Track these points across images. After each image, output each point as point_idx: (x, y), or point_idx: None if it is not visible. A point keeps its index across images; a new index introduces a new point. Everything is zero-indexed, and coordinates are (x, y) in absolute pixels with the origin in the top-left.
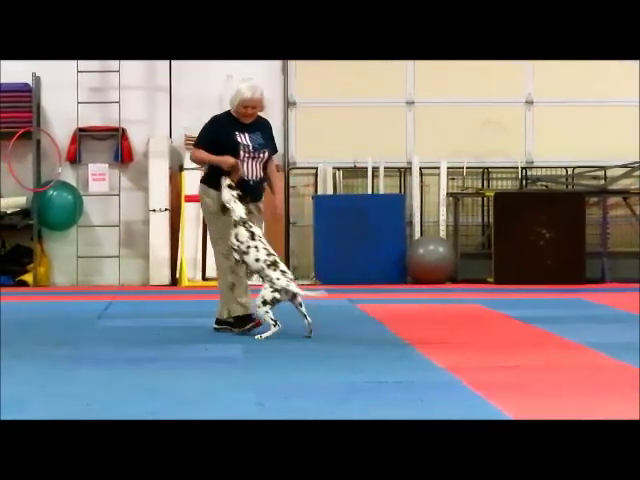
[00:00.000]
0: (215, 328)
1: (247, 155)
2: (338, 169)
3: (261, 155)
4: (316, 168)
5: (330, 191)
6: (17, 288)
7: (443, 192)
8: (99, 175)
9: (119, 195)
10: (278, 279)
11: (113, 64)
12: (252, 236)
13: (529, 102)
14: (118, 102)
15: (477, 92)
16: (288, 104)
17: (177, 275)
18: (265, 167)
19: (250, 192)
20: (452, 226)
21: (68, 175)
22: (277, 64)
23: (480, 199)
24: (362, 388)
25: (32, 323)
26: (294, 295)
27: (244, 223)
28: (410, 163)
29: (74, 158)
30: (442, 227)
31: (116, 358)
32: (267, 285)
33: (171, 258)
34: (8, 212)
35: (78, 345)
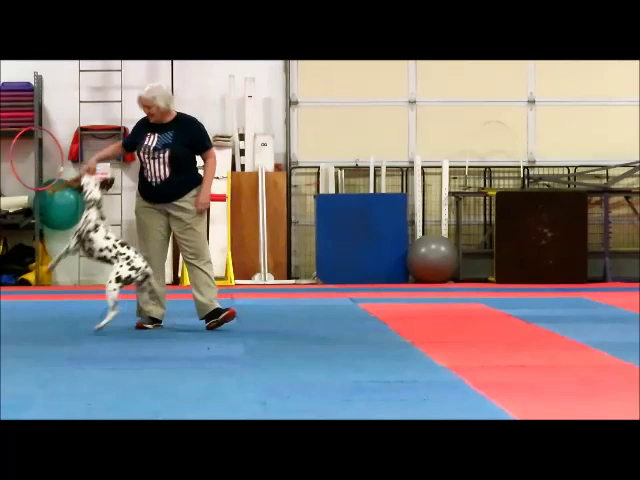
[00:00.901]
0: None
1: (146, 156)
2: (340, 168)
3: (161, 155)
4: (318, 167)
5: (332, 190)
6: (19, 287)
7: (445, 191)
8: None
9: (121, 194)
10: (135, 258)
11: (115, 63)
12: (102, 218)
13: (531, 101)
14: (120, 101)
15: (479, 91)
16: (290, 103)
17: (179, 274)
18: (171, 165)
19: (155, 193)
20: (454, 225)
21: (70, 174)
22: (279, 63)
23: (482, 198)
24: (365, 387)
25: (34, 322)
26: (146, 276)
27: (98, 205)
28: (412, 162)
29: (76, 157)
30: (444, 226)
31: (118, 358)
32: (123, 262)
33: (173, 257)
34: (10, 211)
35: (80, 345)
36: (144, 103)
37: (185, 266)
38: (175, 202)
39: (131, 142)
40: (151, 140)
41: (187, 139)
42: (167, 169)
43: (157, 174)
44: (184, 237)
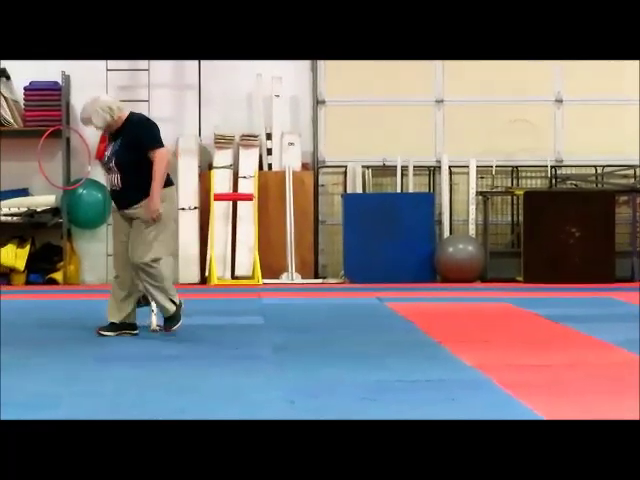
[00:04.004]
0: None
1: (104, 167)
2: (367, 167)
3: (111, 164)
4: (345, 167)
5: (359, 190)
6: (47, 286)
7: (472, 191)
8: None
9: None
10: None
11: (142, 63)
12: None
13: (558, 100)
14: (147, 101)
15: (506, 90)
16: (317, 102)
17: (206, 273)
18: (120, 173)
19: (116, 201)
20: (481, 225)
21: (98, 173)
22: (306, 63)
23: (509, 198)
24: (392, 387)
25: (62, 321)
26: None
27: None
28: (439, 162)
29: (103, 156)
30: (471, 226)
31: (145, 356)
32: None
33: (200, 256)
34: (38, 210)
35: (107, 343)
36: (85, 125)
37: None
38: (132, 209)
39: None
40: (108, 150)
41: (131, 143)
42: (118, 178)
43: (113, 183)
44: (138, 235)
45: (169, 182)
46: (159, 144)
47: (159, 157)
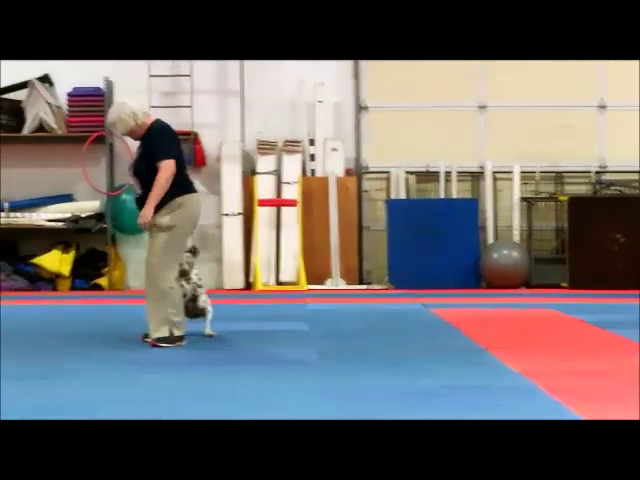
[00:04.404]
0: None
1: (129, 173)
2: (410, 173)
3: (132, 173)
4: (388, 172)
5: (403, 195)
6: (92, 292)
7: (516, 196)
8: None
9: None
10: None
11: (184, 68)
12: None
13: (602, 106)
14: (190, 106)
15: (550, 96)
16: (360, 108)
17: (251, 279)
18: (138, 181)
19: (138, 206)
20: (526, 230)
21: None
22: (349, 68)
23: (553, 203)
24: (437, 392)
25: (106, 326)
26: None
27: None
28: (483, 167)
29: None
30: (515, 231)
31: (190, 361)
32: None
33: (245, 262)
34: (82, 216)
35: (151, 349)
36: (112, 128)
37: None
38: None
39: None
40: (133, 157)
41: (147, 151)
42: (138, 186)
43: (136, 189)
44: (150, 243)
45: (190, 189)
46: (166, 155)
47: (163, 168)
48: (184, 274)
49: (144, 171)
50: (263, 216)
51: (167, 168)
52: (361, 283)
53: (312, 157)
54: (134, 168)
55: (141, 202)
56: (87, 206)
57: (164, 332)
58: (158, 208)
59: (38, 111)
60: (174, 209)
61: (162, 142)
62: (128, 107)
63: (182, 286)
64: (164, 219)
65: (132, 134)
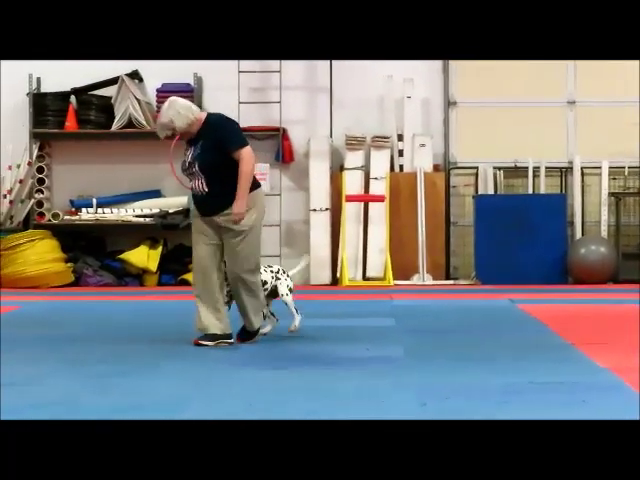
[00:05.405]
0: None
1: (185, 172)
2: (499, 169)
3: (194, 169)
4: (477, 168)
5: (491, 191)
6: (179, 287)
7: (604, 192)
8: (260, 175)
9: (280, 195)
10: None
11: (274, 64)
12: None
13: None
14: (279, 102)
15: (638, 91)
16: (449, 104)
17: (338, 274)
18: (205, 177)
19: (201, 206)
20: (613, 226)
21: None
22: (438, 64)
23: None
24: (523, 389)
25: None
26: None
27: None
28: (571, 163)
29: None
30: (603, 227)
31: (276, 358)
32: (283, 277)
33: (332, 257)
34: (170, 211)
35: (238, 346)
36: (166, 129)
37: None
38: (220, 216)
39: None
40: (187, 155)
41: (213, 144)
42: (203, 183)
43: (198, 188)
44: (235, 247)
45: (257, 184)
46: (243, 143)
47: (245, 157)
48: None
49: (212, 166)
50: (350, 212)
51: (250, 156)
52: (448, 278)
53: (400, 153)
54: (199, 165)
55: (208, 201)
56: (175, 202)
57: (258, 324)
58: (228, 205)
59: (127, 107)
60: (249, 205)
61: (233, 131)
62: (181, 102)
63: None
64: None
65: (190, 129)
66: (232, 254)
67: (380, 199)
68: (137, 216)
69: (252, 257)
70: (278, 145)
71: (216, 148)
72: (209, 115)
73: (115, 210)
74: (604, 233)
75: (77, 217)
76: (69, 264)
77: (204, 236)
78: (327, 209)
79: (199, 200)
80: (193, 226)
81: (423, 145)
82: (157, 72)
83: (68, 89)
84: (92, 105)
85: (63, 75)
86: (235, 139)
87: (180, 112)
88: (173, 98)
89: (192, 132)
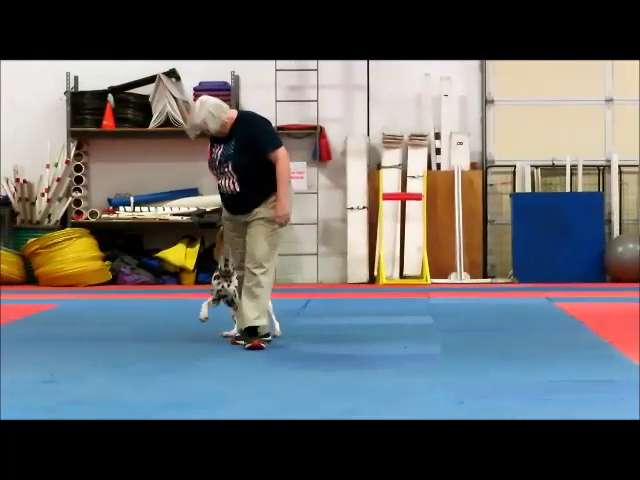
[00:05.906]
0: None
1: (215, 171)
2: (536, 167)
3: (226, 169)
4: (514, 166)
5: (528, 189)
6: None
7: None
8: (297, 173)
9: (317, 193)
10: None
11: (311, 63)
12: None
13: None
14: (316, 100)
15: None
16: (486, 102)
17: (375, 273)
18: (237, 178)
19: (231, 206)
20: None
21: None
22: (475, 62)
23: None
24: (561, 387)
25: (228, 321)
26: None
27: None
28: (609, 161)
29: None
30: None
31: (314, 356)
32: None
33: (369, 256)
34: (207, 210)
35: (276, 343)
36: (198, 130)
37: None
38: (250, 214)
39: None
40: (216, 153)
41: (246, 144)
42: (235, 183)
43: (229, 188)
44: (255, 234)
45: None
46: (278, 144)
47: (281, 158)
48: (227, 275)
49: (247, 166)
50: (388, 210)
51: (285, 157)
52: (485, 277)
53: (437, 151)
54: (232, 164)
55: (240, 200)
56: (212, 200)
57: (252, 316)
58: (261, 202)
59: (164, 106)
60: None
61: (267, 132)
62: (212, 102)
63: (223, 287)
64: (271, 212)
65: (223, 129)
66: (253, 245)
67: (417, 197)
68: (174, 214)
69: (271, 253)
70: (315, 143)
71: (250, 148)
72: (240, 113)
73: (152, 208)
74: None
75: (114, 215)
76: (106, 262)
77: (237, 238)
78: (364, 207)
79: (230, 200)
80: (225, 227)
81: (460, 143)
82: (194, 71)
83: (105, 88)
84: (129, 104)
85: (100, 74)
86: (269, 140)
87: (213, 113)
88: (204, 98)
89: (224, 132)
